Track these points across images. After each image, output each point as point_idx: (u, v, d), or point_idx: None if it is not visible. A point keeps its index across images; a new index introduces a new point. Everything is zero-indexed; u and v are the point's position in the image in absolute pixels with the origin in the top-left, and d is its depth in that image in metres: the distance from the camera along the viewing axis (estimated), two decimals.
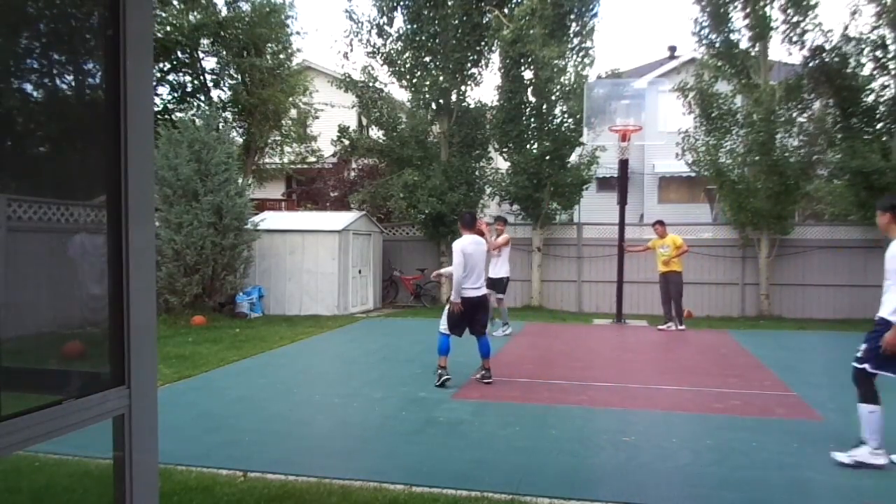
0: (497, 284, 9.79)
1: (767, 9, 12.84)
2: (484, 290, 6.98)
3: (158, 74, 16.02)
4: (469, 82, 14.82)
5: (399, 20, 14.65)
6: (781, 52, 13.47)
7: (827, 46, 12.72)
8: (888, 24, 12.46)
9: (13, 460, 3.72)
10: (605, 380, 7.34)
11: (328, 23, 45.05)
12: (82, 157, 1.72)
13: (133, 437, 1.62)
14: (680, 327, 11.05)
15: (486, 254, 7.05)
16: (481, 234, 7.68)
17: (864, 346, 4.52)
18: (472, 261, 6.73)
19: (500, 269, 9.90)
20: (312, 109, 18.55)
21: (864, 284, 13.21)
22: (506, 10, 14.26)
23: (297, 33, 21.98)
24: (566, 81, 13.63)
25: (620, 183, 12.52)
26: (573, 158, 14.51)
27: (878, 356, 4.38)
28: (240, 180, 12.69)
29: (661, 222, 11.52)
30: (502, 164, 15.43)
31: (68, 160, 1.69)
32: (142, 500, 1.64)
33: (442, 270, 8.96)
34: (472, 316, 6.79)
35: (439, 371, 6.75)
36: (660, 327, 11.16)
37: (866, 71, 12.91)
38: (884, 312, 4.44)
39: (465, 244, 6.76)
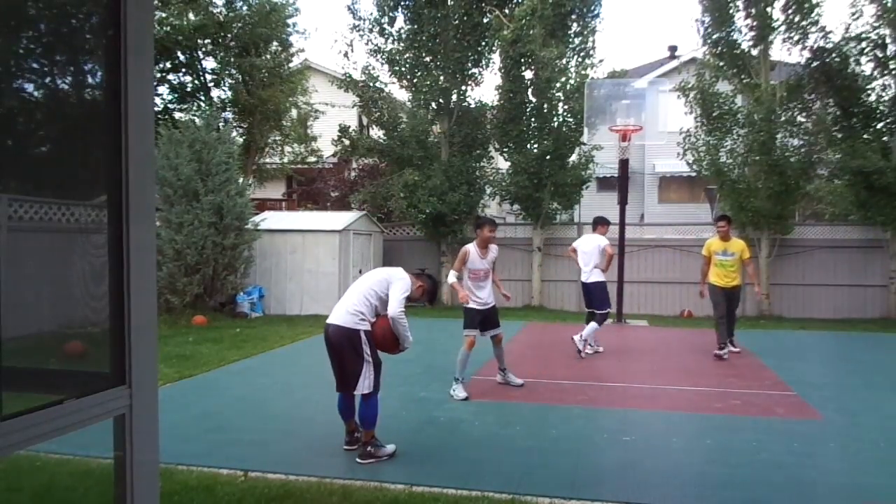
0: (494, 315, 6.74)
1: (769, 9, 12.84)
2: (349, 322, 4.55)
3: (158, 74, 16.03)
4: (469, 82, 14.81)
5: (400, 20, 14.66)
6: (782, 52, 13.47)
7: (828, 47, 12.72)
8: (888, 24, 12.45)
9: (14, 460, 3.73)
10: (605, 380, 7.33)
11: (328, 22, 45.09)
12: (83, 157, 1.72)
13: (134, 436, 1.63)
14: (735, 349, 8.96)
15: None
16: (486, 243, 6.41)
17: None
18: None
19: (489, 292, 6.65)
20: (313, 109, 18.57)
21: (864, 284, 13.22)
22: (506, 10, 14.26)
23: (300, 32, 22.05)
24: (567, 81, 13.62)
25: (621, 183, 12.52)
26: (573, 158, 14.51)
27: None
28: (240, 180, 12.70)
29: (727, 218, 8.80)
30: (503, 163, 15.42)
31: (69, 160, 1.69)
32: (142, 500, 1.64)
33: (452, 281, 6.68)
34: (333, 359, 4.70)
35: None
36: (731, 351, 8.77)
37: (866, 71, 12.90)
38: None
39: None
